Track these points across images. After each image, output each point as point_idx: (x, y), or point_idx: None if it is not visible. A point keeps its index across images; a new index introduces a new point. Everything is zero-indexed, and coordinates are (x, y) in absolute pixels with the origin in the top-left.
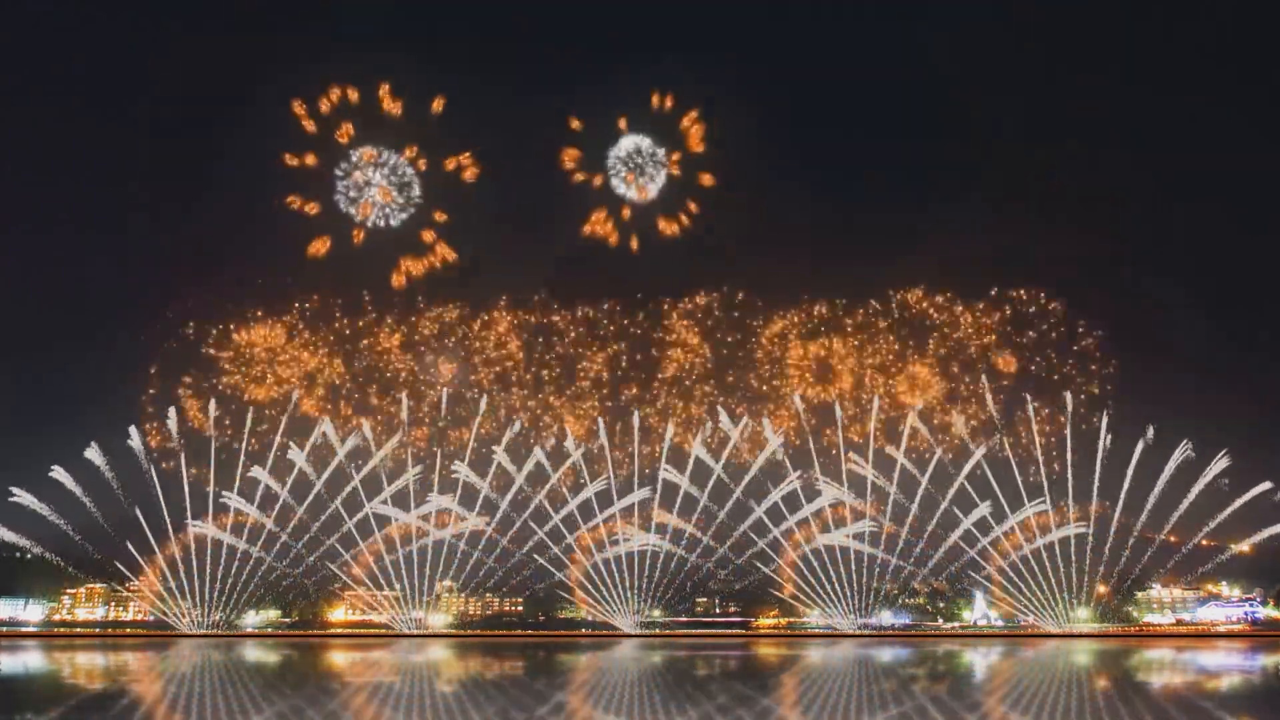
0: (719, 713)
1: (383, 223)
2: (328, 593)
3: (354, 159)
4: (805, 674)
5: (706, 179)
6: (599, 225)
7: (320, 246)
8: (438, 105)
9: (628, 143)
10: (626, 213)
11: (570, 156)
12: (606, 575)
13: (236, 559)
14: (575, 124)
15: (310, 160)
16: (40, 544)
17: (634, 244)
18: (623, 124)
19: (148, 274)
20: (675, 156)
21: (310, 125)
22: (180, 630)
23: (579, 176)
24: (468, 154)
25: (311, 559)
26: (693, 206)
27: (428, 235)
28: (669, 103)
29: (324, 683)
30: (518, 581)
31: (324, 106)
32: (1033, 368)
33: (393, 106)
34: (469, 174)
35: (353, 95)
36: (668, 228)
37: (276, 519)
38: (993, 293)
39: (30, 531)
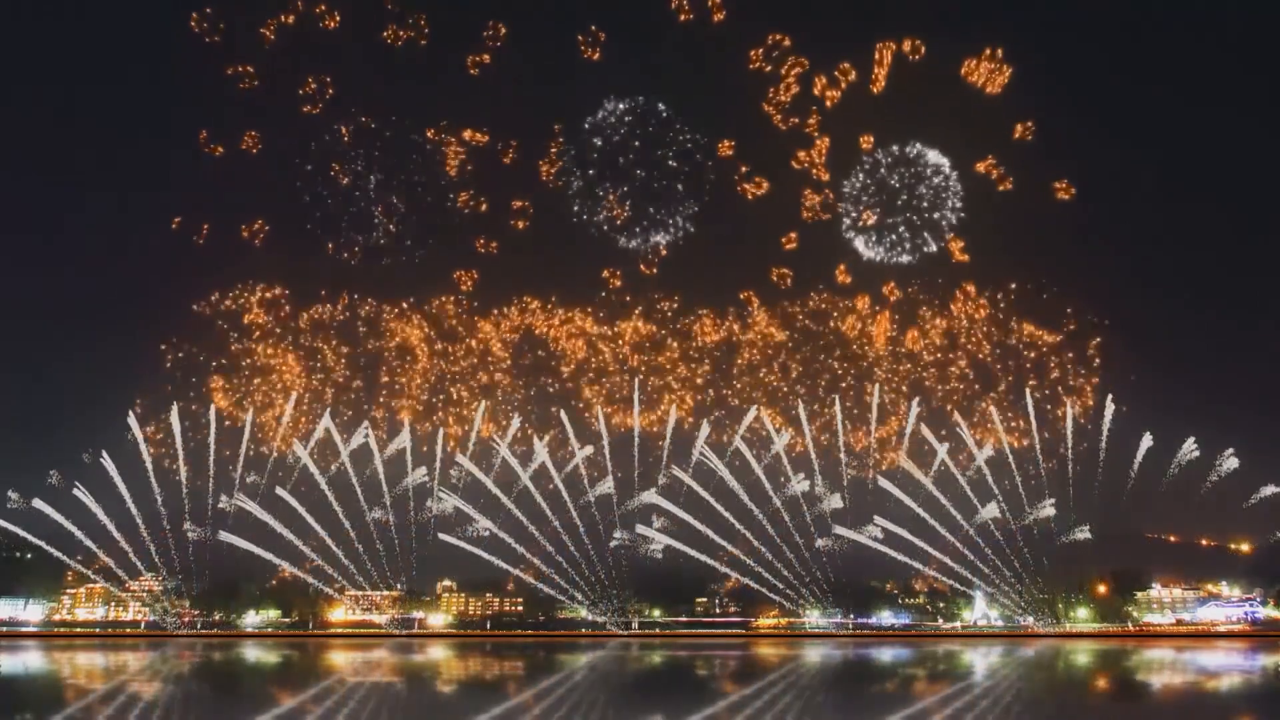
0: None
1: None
2: (324, 594)
3: (330, 140)
4: (795, 675)
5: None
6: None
7: (260, 316)
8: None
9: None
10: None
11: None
12: (606, 577)
13: (238, 559)
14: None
15: (250, 143)
16: (35, 546)
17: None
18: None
19: (149, 274)
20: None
21: (247, 73)
22: (179, 630)
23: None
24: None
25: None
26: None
27: (465, 279)
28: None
29: (309, 684)
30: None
31: (267, 36)
32: (1034, 371)
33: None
34: (550, 169)
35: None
36: None
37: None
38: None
39: (28, 532)
